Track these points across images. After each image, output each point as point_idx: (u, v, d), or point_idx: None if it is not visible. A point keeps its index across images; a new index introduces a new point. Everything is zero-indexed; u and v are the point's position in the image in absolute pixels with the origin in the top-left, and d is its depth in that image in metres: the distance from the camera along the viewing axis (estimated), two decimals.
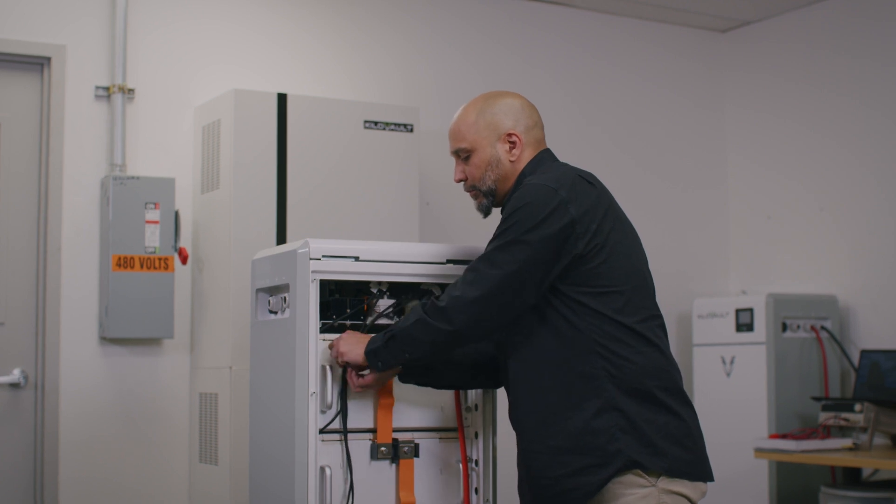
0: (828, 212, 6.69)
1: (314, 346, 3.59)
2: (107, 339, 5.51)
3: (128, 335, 5.47)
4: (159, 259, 5.45)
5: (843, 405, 5.86)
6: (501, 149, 3.46)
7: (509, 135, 3.45)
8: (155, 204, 5.45)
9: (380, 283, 3.75)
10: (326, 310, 3.68)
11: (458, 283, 3.31)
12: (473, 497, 3.78)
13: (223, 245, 5.41)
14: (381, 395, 3.66)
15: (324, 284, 3.64)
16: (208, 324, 5.54)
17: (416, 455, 3.70)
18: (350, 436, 3.63)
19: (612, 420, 3.18)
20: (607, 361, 3.21)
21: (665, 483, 3.18)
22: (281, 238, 5.32)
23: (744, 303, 6.44)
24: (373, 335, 3.51)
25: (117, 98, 5.55)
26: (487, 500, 3.80)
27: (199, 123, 5.66)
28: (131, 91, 5.61)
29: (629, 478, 3.18)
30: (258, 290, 3.94)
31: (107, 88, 5.58)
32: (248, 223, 5.32)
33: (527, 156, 3.47)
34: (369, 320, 3.71)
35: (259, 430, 3.92)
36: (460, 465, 3.77)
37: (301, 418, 3.57)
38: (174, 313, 5.52)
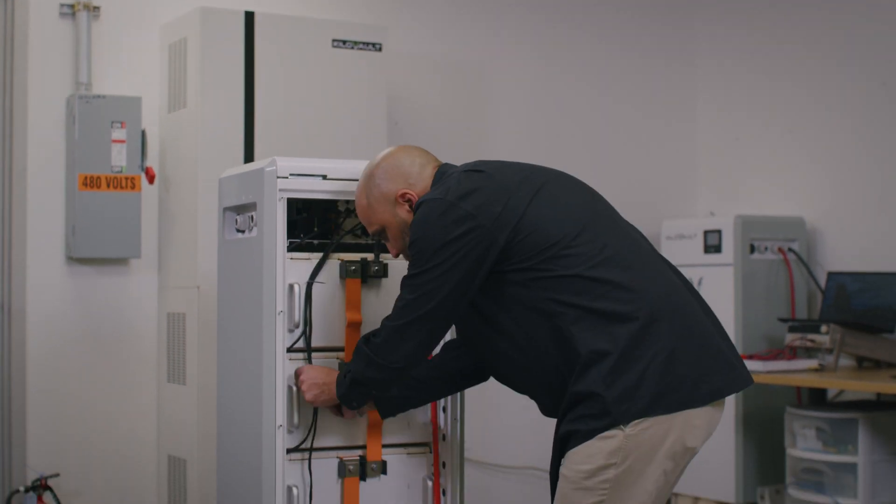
0: (796, 133, 6.70)
1: (282, 264, 3.58)
2: (74, 259, 5.49)
3: (95, 255, 5.44)
4: (126, 178, 5.41)
5: (809, 326, 5.89)
6: (403, 212, 3.42)
7: (401, 196, 3.41)
8: (121, 123, 5.40)
9: (347, 201, 3.74)
10: (294, 228, 3.67)
11: (392, 318, 3.33)
12: (441, 415, 3.80)
13: (190, 164, 5.38)
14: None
15: (291, 203, 3.63)
16: (176, 243, 5.51)
17: None
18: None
19: (591, 378, 3.13)
20: (571, 322, 3.16)
21: (631, 428, 3.13)
22: (248, 157, 5.29)
23: (712, 224, 6.45)
24: (334, 372, 3.54)
25: (82, 16, 5.48)
26: (455, 418, 3.82)
27: (165, 41, 5.59)
28: (96, 9, 5.54)
29: (607, 432, 3.13)
30: (225, 209, 3.92)
31: (72, 6, 5.50)
32: (216, 142, 5.29)
33: None
34: (336, 239, 3.71)
35: (227, 349, 3.92)
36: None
37: (268, 337, 3.57)
38: (141, 233, 5.49)
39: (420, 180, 3.42)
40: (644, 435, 3.13)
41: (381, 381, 3.41)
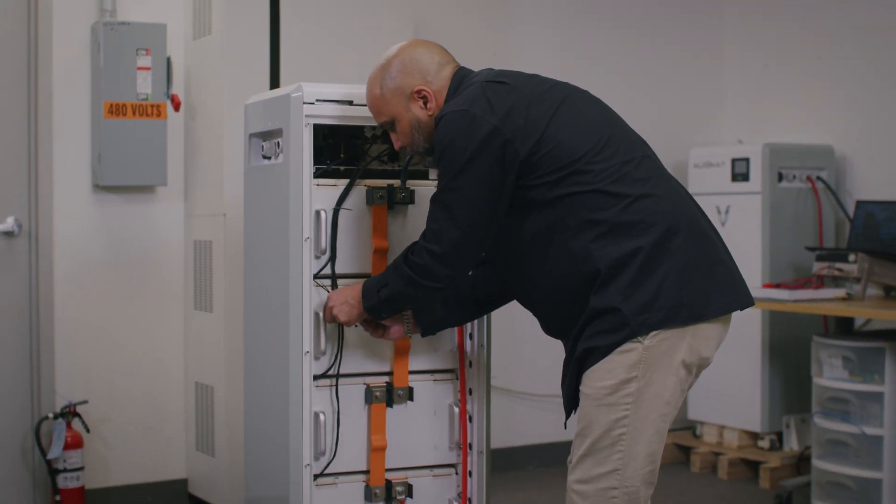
0: (826, 61, 6.63)
1: (308, 191, 3.57)
2: (100, 187, 5.49)
3: (121, 183, 5.45)
4: (151, 106, 5.40)
5: (837, 255, 5.86)
6: (416, 108, 3.39)
7: (417, 92, 3.38)
8: (146, 50, 5.38)
9: (374, 127, 3.72)
10: (320, 154, 3.66)
11: (427, 236, 3.30)
12: (468, 342, 3.80)
13: (215, 91, 5.36)
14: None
15: (317, 129, 3.62)
16: (202, 171, 5.51)
17: None
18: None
19: (611, 293, 3.14)
20: (591, 239, 3.16)
21: (649, 340, 3.16)
22: (274, 83, 5.26)
23: (740, 152, 6.41)
24: (358, 286, 3.50)
25: None
26: (482, 344, 3.82)
27: None
28: None
29: (626, 346, 3.17)
30: (251, 136, 3.91)
31: None
32: (241, 69, 5.26)
33: (442, 98, 3.40)
34: (362, 166, 3.69)
35: (253, 276, 3.92)
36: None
37: (295, 264, 3.57)
38: (167, 161, 5.49)
39: (437, 79, 3.40)
40: (662, 346, 3.16)
41: (421, 299, 3.43)
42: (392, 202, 3.67)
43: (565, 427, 3.44)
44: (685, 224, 3.23)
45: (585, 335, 3.20)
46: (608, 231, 3.17)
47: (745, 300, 3.32)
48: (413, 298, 3.42)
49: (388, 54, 3.45)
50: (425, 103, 3.38)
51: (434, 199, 3.29)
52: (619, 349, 3.15)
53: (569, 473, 3.28)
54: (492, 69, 3.45)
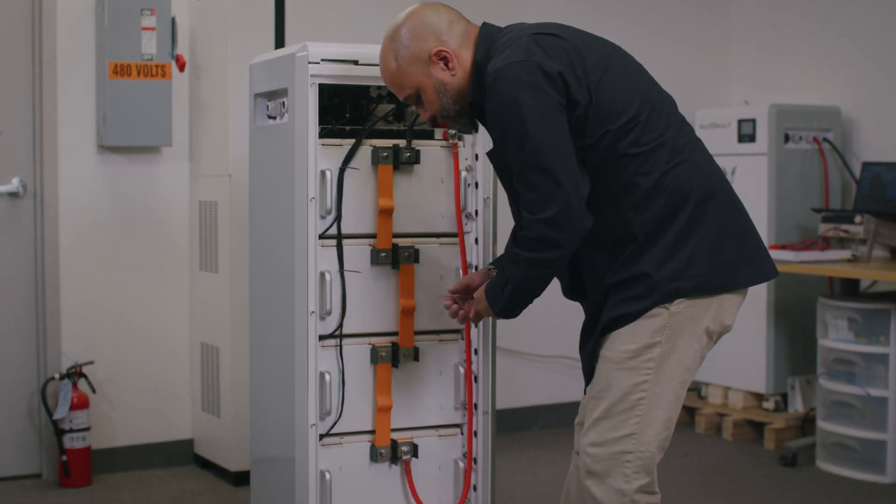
0: (833, 22, 6.59)
1: (313, 151, 3.57)
2: (105, 148, 5.48)
3: (126, 143, 5.44)
4: (156, 66, 5.38)
5: (843, 217, 5.85)
6: (438, 71, 3.24)
7: (436, 55, 3.22)
8: (151, 10, 5.36)
9: (379, 87, 3.71)
10: (325, 114, 3.65)
11: (530, 207, 3.07)
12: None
13: (220, 51, 5.35)
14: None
15: (323, 89, 3.61)
16: (207, 131, 5.50)
17: (417, 260, 3.70)
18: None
19: (645, 261, 3.12)
20: (630, 206, 3.12)
21: (676, 306, 3.14)
22: (279, 43, 5.24)
23: (746, 113, 6.39)
24: (488, 286, 3.33)
25: None
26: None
27: None
28: None
29: (652, 311, 3.16)
30: (256, 96, 3.90)
31: None
32: (246, 28, 5.24)
33: (466, 55, 3.24)
34: (368, 126, 3.68)
35: (259, 236, 3.92)
36: (460, 272, 3.78)
37: (300, 224, 3.57)
38: (172, 121, 5.48)
39: (452, 37, 3.24)
40: (687, 313, 3.15)
41: (548, 277, 3.20)
42: (397, 162, 3.67)
43: (584, 393, 3.40)
44: (718, 192, 3.21)
45: (612, 301, 3.18)
46: (647, 197, 3.13)
47: (771, 271, 3.30)
48: (540, 280, 3.20)
49: (394, 24, 3.29)
50: (447, 64, 3.23)
51: (518, 160, 3.07)
52: (646, 314, 3.14)
53: (582, 436, 3.26)
54: (525, 23, 3.30)
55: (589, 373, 3.33)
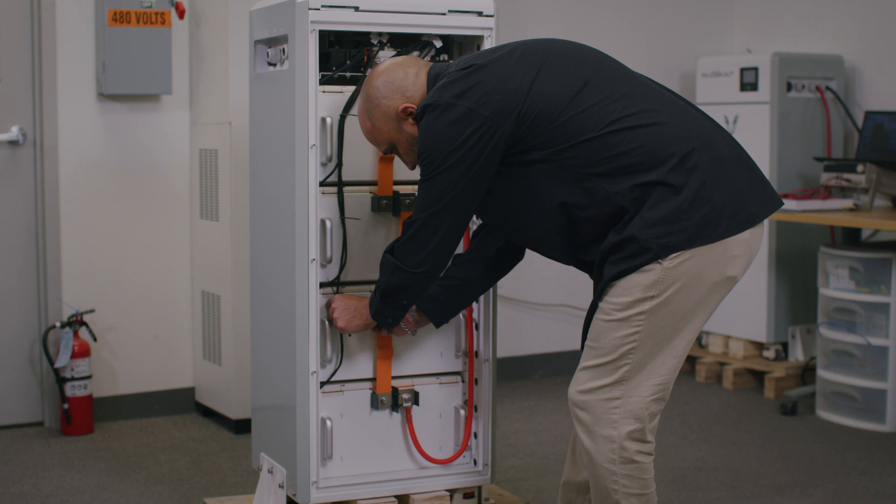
0: None
1: (314, 98, 3.55)
2: (104, 96, 5.47)
3: (125, 91, 5.42)
4: (156, 13, 5.35)
5: (845, 166, 5.84)
6: (408, 126, 3.35)
7: (402, 111, 3.33)
8: None
9: (380, 33, 3.69)
10: (326, 61, 3.63)
11: (409, 224, 3.30)
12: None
13: None
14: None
15: (323, 35, 3.58)
16: (207, 79, 5.48)
17: None
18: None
19: (634, 224, 3.11)
20: (608, 183, 3.13)
21: (670, 261, 3.13)
22: None
23: (749, 62, 6.36)
24: (364, 298, 3.57)
25: None
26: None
27: None
28: None
29: (646, 267, 3.15)
30: (256, 43, 3.88)
31: None
32: None
33: None
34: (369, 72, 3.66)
35: (259, 184, 3.91)
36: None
37: (301, 171, 3.56)
38: (172, 69, 5.45)
39: (416, 90, 3.35)
40: (683, 267, 3.13)
41: (408, 286, 3.39)
42: None
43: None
44: (699, 138, 3.19)
45: (610, 261, 3.17)
46: (620, 171, 3.13)
47: (773, 202, 3.27)
48: (403, 289, 3.40)
49: (365, 85, 3.39)
50: (414, 118, 3.34)
51: (419, 186, 3.28)
52: (639, 270, 3.14)
53: (571, 384, 3.28)
54: (462, 56, 3.42)
55: (584, 335, 3.35)
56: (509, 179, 3.25)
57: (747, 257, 3.23)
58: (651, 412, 3.21)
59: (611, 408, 3.19)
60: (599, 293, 3.22)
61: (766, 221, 3.34)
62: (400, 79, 3.35)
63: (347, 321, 3.58)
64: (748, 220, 3.19)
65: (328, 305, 3.62)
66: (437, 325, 3.66)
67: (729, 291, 3.27)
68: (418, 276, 3.34)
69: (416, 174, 3.63)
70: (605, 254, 3.18)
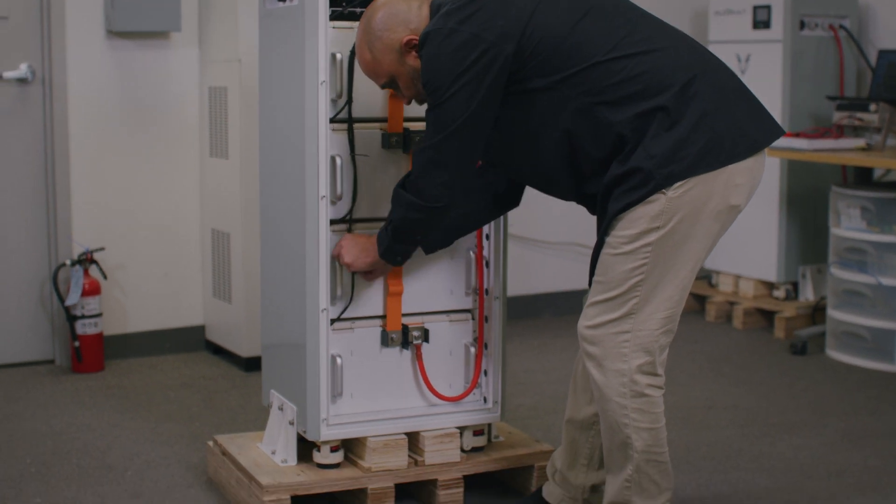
0: None
1: (324, 34, 3.52)
2: (113, 33, 5.44)
3: (134, 28, 5.39)
4: None
5: (857, 105, 5.81)
6: (411, 59, 3.31)
7: (406, 44, 3.29)
8: None
9: None
10: None
11: (420, 154, 3.27)
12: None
13: None
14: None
15: None
16: (216, 15, 5.44)
17: None
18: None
19: (637, 156, 3.11)
20: (609, 111, 3.13)
21: (674, 191, 3.13)
22: None
23: None
24: (372, 236, 3.53)
25: None
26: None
27: None
28: None
29: (650, 198, 3.15)
30: None
31: None
32: None
33: None
34: None
35: (269, 122, 3.90)
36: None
37: (311, 108, 3.54)
38: (181, 5, 5.43)
39: (419, 22, 3.31)
40: (687, 196, 3.13)
41: (424, 221, 3.37)
42: None
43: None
44: (697, 70, 3.18)
45: (614, 196, 3.17)
46: (622, 98, 3.13)
47: (774, 130, 3.28)
48: (418, 223, 3.38)
49: (365, 17, 3.35)
50: (417, 52, 3.29)
51: (426, 116, 3.26)
52: (644, 201, 3.13)
53: (580, 320, 3.28)
54: None
55: (592, 271, 3.35)
56: (513, 110, 3.24)
57: (750, 186, 3.24)
58: (661, 345, 3.22)
59: (621, 341, 3.20)
60: (605, 228, 3.22)
61: (772, 157, 3.33)
62: (403, 11, 3.32)
63: (354, 257, 3.57)
64: (750, 147, 3.20)
65: (337, 247, 3.61)
66: (427, 253, 3.64)
67: (732, 221, 3.28)
68: (435, 210, 3.32)
69: (423, 112, 3.62)
70: (608, 187, 3.18)
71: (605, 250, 3.21)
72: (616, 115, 3.13)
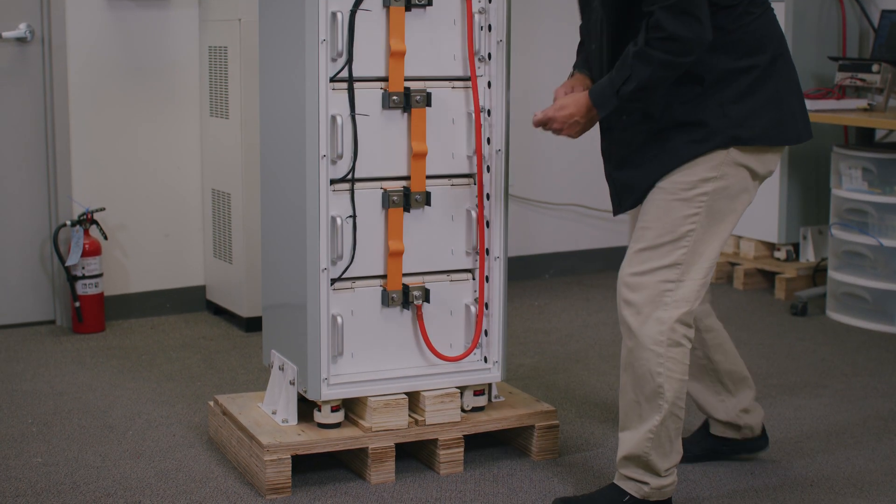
0: None
1: None
2: None
3: None
4: None
5: (860, 65, 5.79)
6: None
7: None
8: None
9: None
10: None
11: (667, 17, 3.10)
12: (486, 147, 3.76)
13: None
14: None
15: None
16: None
17: (429, 104, 3.66)
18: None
19: (710, 107, 3.22)
20: (710, 47, 3.17)
21: (733, 153, 3.24)
22: None
23: None
24: (581, 98, 3.32)
25: None
26: (499, 150, 3.79)
27: None
28: None
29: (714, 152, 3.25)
30: None
31: None
32: None
33: None
34: None
35: (269, 81, 3.88)
36: (472, 115, 3.74)
37: (311, 67, 3.52)
38: None
39: None
40: (742, 158, 3.26)
41: (668, 79, 3.20)
42: (409, 4, 3.61)
43: (614, 215, 3.49)
44: (785, 51, 3.33)
45: (675, 142, 3.24)
46: (725, 44, 3.21)
47: (808, 131, 3.40)
48: (665, 81, 3.19)
49: None
50: None
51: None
52: (705, 154, 3.23)
53: (623, 266, 3.32)
54: None
55: (620, 195, 3.39)
56: (637, 7, 3.19)
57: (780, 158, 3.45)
58: (699, 297, 3.31)
59: (665, 290, 3.26)
60: (658, 175, 3.26)
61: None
62: None
63: (572, 128, 3.35)
64: (796, 137, 3.36)
65: (546, 118, 3.38)
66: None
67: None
68: (684, 65, 3.16)
69: (424, 71, 3.62)
70: (666, 131, 3.25)
71: (660, 195, 3.27)
72: (710, 58, 3.19)
